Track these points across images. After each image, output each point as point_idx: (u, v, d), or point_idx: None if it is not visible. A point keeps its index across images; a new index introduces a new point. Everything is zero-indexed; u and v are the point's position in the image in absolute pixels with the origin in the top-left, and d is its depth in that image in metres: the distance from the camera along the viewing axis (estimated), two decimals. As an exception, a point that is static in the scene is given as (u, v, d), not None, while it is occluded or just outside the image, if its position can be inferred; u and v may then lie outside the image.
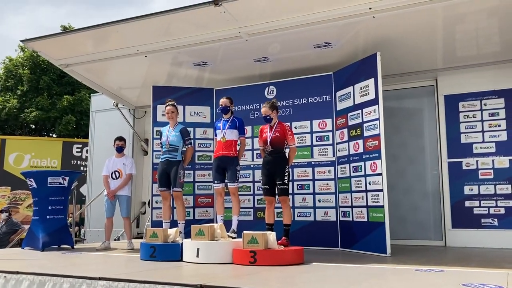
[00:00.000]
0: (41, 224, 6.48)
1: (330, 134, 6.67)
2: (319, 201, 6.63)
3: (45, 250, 6.28)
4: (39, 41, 6.84)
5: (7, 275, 4.02)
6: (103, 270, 4.52)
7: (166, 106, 6.06)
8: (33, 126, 18.29)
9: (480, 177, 6.60)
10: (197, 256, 4.80)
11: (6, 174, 13.93)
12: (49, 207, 6.55)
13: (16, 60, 18.09)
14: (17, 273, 4.00)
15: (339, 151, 6.54)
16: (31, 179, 6.63)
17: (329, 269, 4.45)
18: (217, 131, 5.81)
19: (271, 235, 4.76)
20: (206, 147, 7.48)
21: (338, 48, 6.39)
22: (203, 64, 7.15)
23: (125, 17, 6.16)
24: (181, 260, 4.99)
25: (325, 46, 6.33)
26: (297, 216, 6.66)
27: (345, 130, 6.39)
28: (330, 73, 6.74)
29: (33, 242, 6.50)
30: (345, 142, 6.39)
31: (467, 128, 6.77)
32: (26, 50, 17.59)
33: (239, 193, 5.93)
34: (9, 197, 14.01)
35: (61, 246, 6.66)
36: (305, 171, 6.78)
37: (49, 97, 17.24)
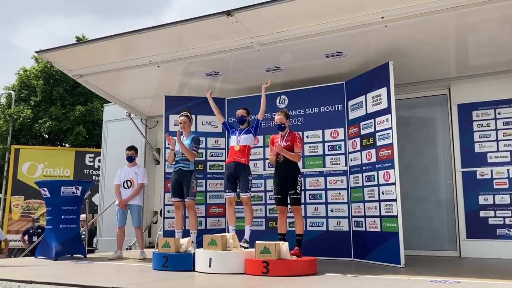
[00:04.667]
0: (54, 234, 6.51)
1: (342, 143, 6.65)
2: (332, 210, 6.58)
3: (58, 259, 6.31)
4: (53, 52, 6.93)
5: (21, 285, 4.03)
6: (116, 279, 4.52)
7: (180, 116, 6.10)
8: (46, 136, 18.46)
9: (495, 186, 6.51)
10: (210, 266, 4.78)
11: (19, 183, 14.08)
12: (62, 217, 6.59)
13: (30, 71, 18.34)
14: (31, 282, 4.01)
15: (351, 160, 6.50)
16: (45, 189, 6.68)
17: (343, 280, 4.40)
18: (232, 137, 5.83)
19: (284, 245, 4.73)
20: (218, 156, 7.49)
21: (350, 57, 6.38)
22: (214, 74, 7.19)
23: (139, 27, 6.23)
24: (194, 270, 4.96)
25: (337, 55, 6.33)
26: (310, 226, 6.62)
27: (358, 140, 6.36)
28: (342, 82, 6.73)
29: (46, 251, 6.53)
30: (357, 151, 6.35)
31: (481, 137, 6.70)
32: (40, 61, 17.82)
33: (251, 202, 5.91)
34: (22, 206, 14.14)
35: (74, 255, 6.68)
36: (317, 180, 6.75)
37: (62, 107, 17.42)
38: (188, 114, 6.13)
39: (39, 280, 4.05)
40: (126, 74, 7.30)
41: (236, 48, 6.24)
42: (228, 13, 5.53)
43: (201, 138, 6.38)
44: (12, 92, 17.97)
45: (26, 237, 11.08)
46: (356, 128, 6.40)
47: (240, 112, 5.87)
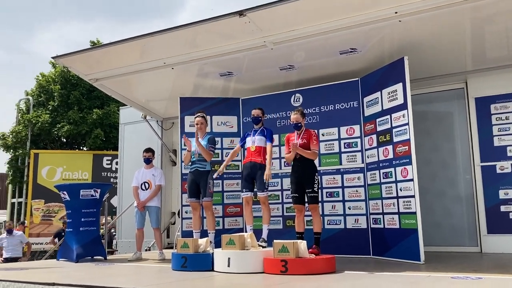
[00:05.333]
0: (74, 236, 6.61)
1: (359, 140, 6.60)
2: (349, 208, 6.55)
3: (79, 261, 6.39)
4: (68, 57, 7.02)
5: (44, 287, 4.10)
6: (136, 280, 4.57)
7: (196, 117, 6.13)
8: (64, 140, 18.71)
9: (516, 180, 6.40)
10: (228, 266, 4.79)
11: (39, 187, 14.32)
12: (82, 219, 6.67)
13: (48, 76, 18.61)
14: (53, 284, 4.08)
15: (368, 157, 6.46)
16: (64, 192, 6.78)
17: (362, 278, 4.38)
18: (247, 139, 5.87)
19: (302, 244, 4.72)
20: (234, 156, 7.49)
21: (364, 53, 6.34)
22: (228, 74, 7.20)
23: (152, 30, 6.28)
24: (212, 270, 4.99)
25: (351, 52, 6.29)
26: (327, 224, 6.60)
27: (374, 136, 6.31)
28: (357, 79, 6.68)
29: (68, 253, 6.62)
30: (374, 148, 6.31)
31: (500, 131, 6.58)
32: (57, 66, 18.05)
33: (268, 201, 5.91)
34: (43, 209, 14.37)
35: (94, 257, 6.76)
36: (333, 178, 6.71)
37: (79, 111, 17.64)
38: (204, 115, 6.17)
39: (61, 282, 4.11)
40: (141, 77, 7.36)
41: (249, 48, 6.25)
42: (241, 13, 5.54)
43: (216, 139, 6.40)
44: (30, 97, 18.27)
45: (56, 240, 11.22)
46: (372, 125, 6.35)
47: (255, 112, 5.90)
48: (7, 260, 9.17)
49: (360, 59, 6.50)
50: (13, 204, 16.98)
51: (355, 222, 6.48)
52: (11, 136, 17.55)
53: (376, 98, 6.28)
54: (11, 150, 17.50)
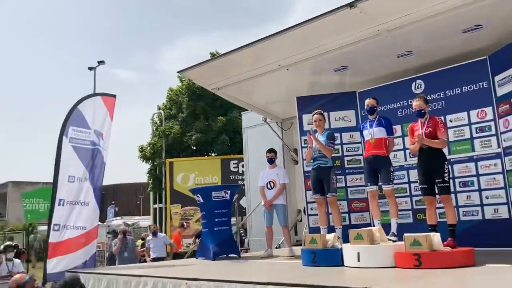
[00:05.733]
0: (210, 236, 7.06)
1: (492, 123, 6.08)
2: (487, 197, 6.05)
3: (215, 259, 6.82)
4: (191, 70, 7.57)
5: (188, 282, 4.48)
6: (270, 275, 4.77)
7: (313, 114, 6.19)
8: (194, 148, 20.11)
9: None
10: (358, 260, 4.75)
11: (176, 193, 15.54)
12: (216, 220, 7.11)
13: (176, 90, 20.24)
14: (196, 279, 4.44)
15: (504, 141, 5.91)
16: (198, 195, 7.29)
17: (507, 271, 4.03)
18: (364, 132, 5.76)
19: (435, 237, 4.49)
20: (355, 150, 7.41)
21: (490, 29, 5.83)
22: (343, 69, 7.14)
23: (266, 34, 6.49)
24: (342, 265, 4.99)
25: (475, 29, 5.83)
26: (463, 216, 6.17)
27: (510, 118, 5.76)
28: (485, 57, 6.16)
29: (205, 252, 7.11)
30: (511, 130, 5.75)
31: None
32: (183, 80, 19.51)
33: (395, 195, 5.73)
34: (180, 213, 15.58)
35: (229, 255, 7.17)
36: (466, 166, 6.26)
37: (205, 120, 18.83)
38: (321, 112, 6.19)
39: (202, 277, 4.46)
40: (258, 81, 7.63)
41: (363, 39, 6.14)
42: (351, 5, 5.47)
43: (335, 134, 6.38)
44: (162, 111, 20.01)
45: (197, 240, 12.09)
46: (507, 105, 5.80)
47: (370, 102, 5.73)
48: (154, 259, 10.13)
49: (486, 36, 5.99)
50: (155, 209, 18.72)
51: (494, 212, 5.97)
52: (148, 148, 19.43)
53: (509, 75, 5.74)
54: (150, 161, 19.38)
